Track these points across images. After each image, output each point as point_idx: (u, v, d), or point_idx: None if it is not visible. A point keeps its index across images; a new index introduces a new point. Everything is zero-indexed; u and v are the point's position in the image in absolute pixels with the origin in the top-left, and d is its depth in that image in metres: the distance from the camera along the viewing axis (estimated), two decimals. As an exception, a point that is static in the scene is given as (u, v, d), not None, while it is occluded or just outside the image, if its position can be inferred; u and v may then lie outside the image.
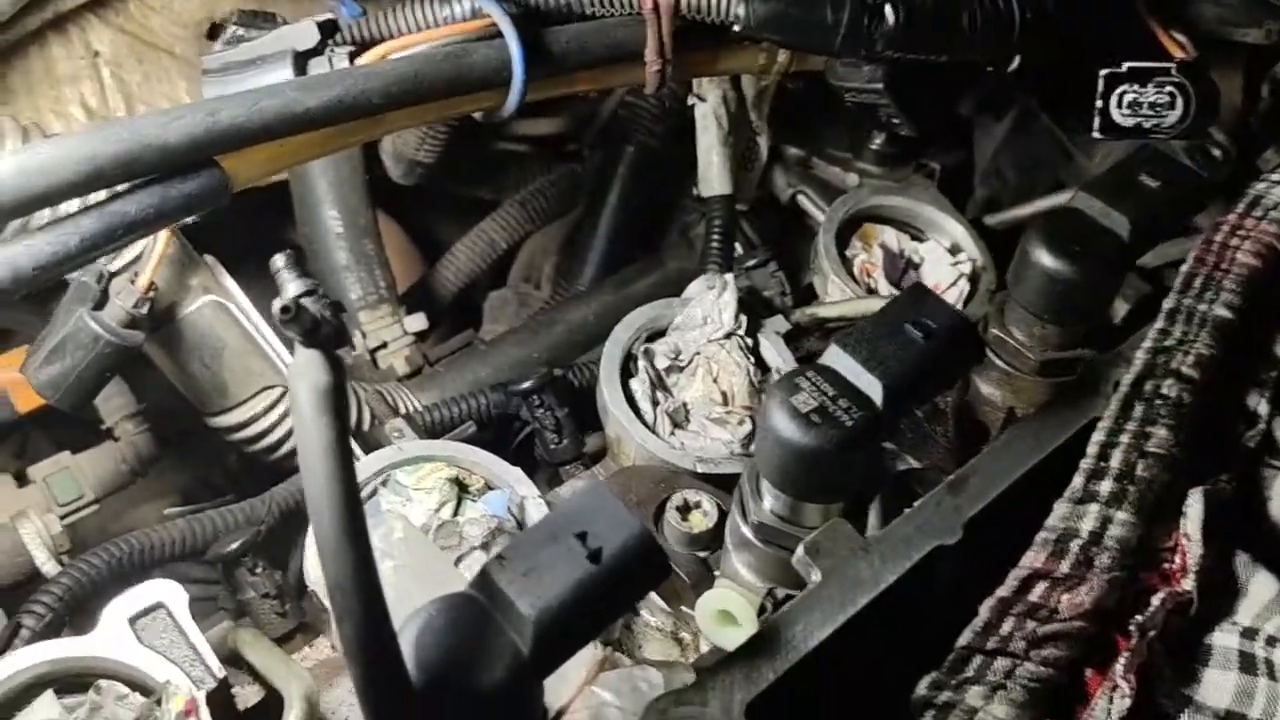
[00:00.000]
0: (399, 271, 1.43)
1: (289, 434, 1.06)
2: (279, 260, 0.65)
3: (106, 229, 0.72)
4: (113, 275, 0.93)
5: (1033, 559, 0.69)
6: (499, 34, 0.87)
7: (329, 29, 0.85)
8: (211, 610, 0.91)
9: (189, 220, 0.78)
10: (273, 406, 1.05)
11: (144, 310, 0.93)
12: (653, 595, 0.87)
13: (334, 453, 0.57)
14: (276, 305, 0.58)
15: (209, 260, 1.03)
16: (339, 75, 0.81)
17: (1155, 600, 0.69)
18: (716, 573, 0.87)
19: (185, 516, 0.94)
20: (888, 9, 0.90)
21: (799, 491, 0.76)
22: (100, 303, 0.92)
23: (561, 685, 0.72)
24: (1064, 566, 0.69)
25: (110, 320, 0.92)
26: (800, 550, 0.70)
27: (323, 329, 0.61)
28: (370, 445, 1.00)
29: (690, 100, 1.30)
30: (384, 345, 1.32)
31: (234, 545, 0.89)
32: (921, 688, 0.66)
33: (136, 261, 0.95)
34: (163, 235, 0.94)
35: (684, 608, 0.87)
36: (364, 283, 1.33)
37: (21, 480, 1.12)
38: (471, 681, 0.59)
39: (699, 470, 0.97)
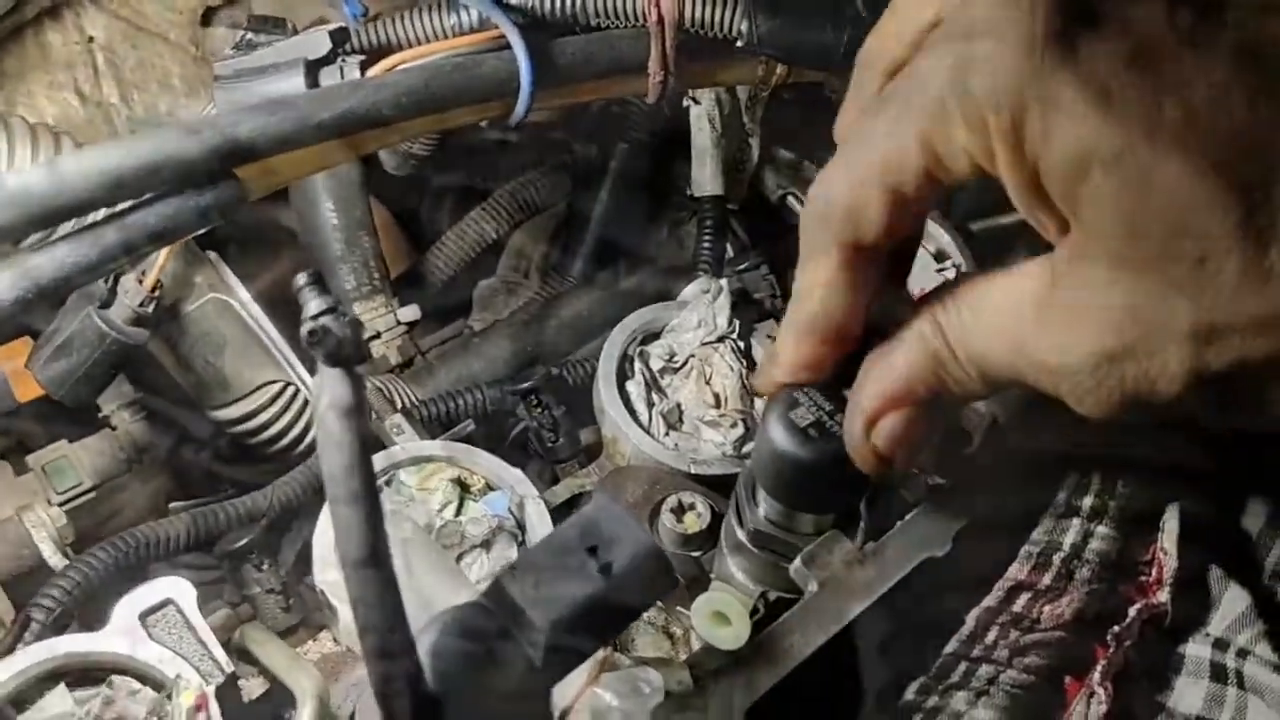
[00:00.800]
0: (389, 260, 1.45)
1: (289, 427, 1.08)
2: (301, 279, 0.67)
3: (126, 240, 0.73)
4: (119, 274, 0.95)
5: (1017, 571, 0.73)
6: (507, 45, 0.89)
7: (340, 38, 0.86)
8: (210, 597, 0.93)
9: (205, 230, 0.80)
10: (274, 400, 1.07)
11: (150, 308, 0.94)
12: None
13: (358, 469, 0.60)
14: (304, 329, 0.60)
15: (213, 257, 1.05)
16: (351, 87, 0.83)
17: (1132, 611, 0.72)
18: (711, 574, 0.90)
19: (189, 510, 0.96)
20: (886, 28, 0.92)
21: (794, 501, 0.79)
22: (107, 301, 0.94)
23: (565, 686, 0.75)
24: (1046, 579, 0.73)
25: (117, 318, 0.93)
26: (798, 561, 0.73)
27: (345, 348, 0.63)
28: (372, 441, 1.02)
29: (684, 102, 1.32)
30: (377, 335, 1.34)
31: (240, 543, 0.91)
32: (910, 693, 0.70)
33: (143, 260, 0.96)
34: (169, 234, 0.95)
35: (677, 606, 0.90)
36: (358, 274, 1.34)
37: (19, 468, 1.14)
38: (485, 689, 0.62)
39: (692, 471, 1.00)
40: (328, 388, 0.60)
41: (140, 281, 0.94)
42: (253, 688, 0.85)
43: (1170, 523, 0.76)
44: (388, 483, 0.93)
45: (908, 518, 0.76)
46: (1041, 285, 0.53)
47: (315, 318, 0.62)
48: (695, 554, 0.95)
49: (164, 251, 0.94)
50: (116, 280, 0.94)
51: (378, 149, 1.21)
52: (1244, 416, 0.54)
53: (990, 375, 0.58)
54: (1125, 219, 0.48)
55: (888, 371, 0.62)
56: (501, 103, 0.93)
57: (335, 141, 0.84)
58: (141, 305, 0.94)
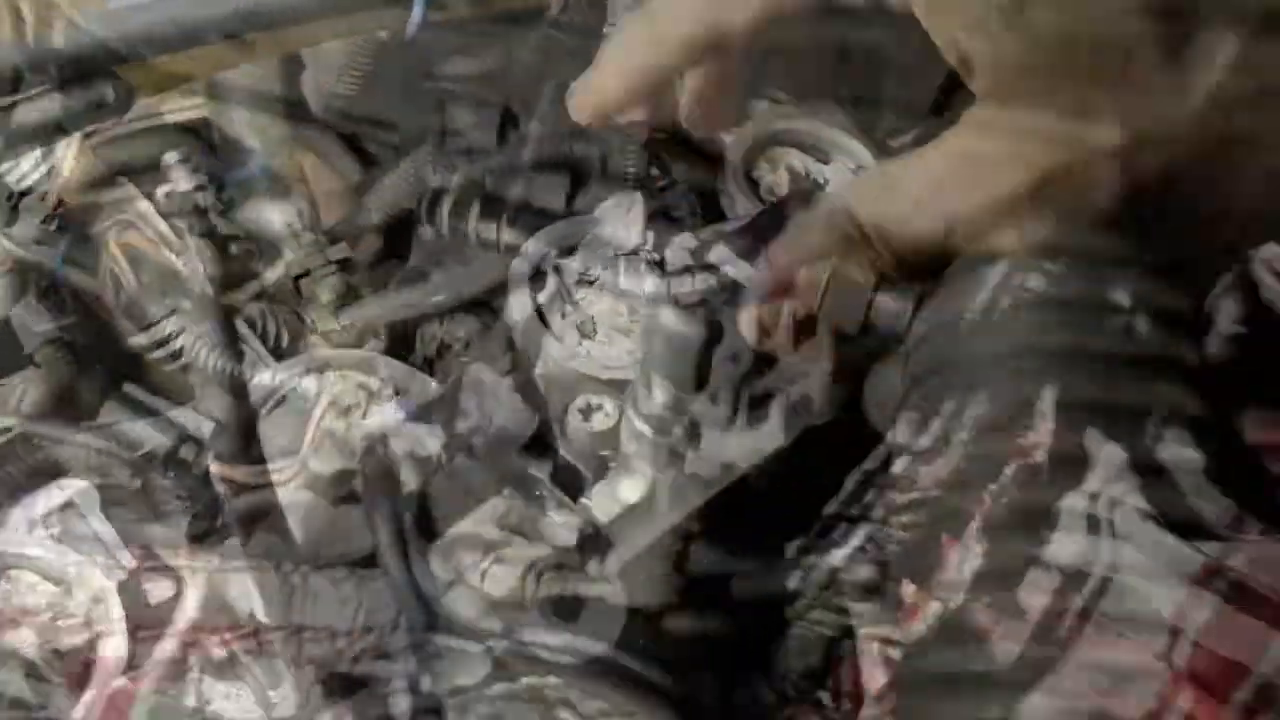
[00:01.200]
0: (326, 207, 1.45)
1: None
2: (171, 156, 0.67)
3: (8, 135, 0.74)
4: (23, 194, 0.95)
5: (895, 434, 0.74)
6: (402, -53, 0.89)
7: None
8: (126, 512, 0.94)
9: (91, 128, 0.80)
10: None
11: (54, 227, 0.95)
12: (557, 491, 0.91)
13: (225, 338, 0.61)
14: (161, 191, 0.61)
15: (122, 181, 1.05)
16: (237, -14, 0.83)
17: (1008, 470, 0.73)
18: (611, 466, 0.91)
19: (101, 427, 0.96)
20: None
21: (683, 383, 0.80)
22: (10, 221, 0.94)
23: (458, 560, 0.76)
24: (925, 441, 0.74)
25: (21, 237, 0.94)
26: (678, 430, 0.74)
27: (210, 217, 0.64)
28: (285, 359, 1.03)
29: (605, 29, 1.32)
30: (307, 273, 1.34)
31: (147, 449, 0.92)
32: (789, 552, 0.71)
33: (47, 180, 0.96)
34: (71, 153, 0.95)
35: (584, 500, 0.91)
36: (285, 211, 1.34)
37: (-56, 406, 1.14)
38: (358, 546, 0.63)
39: (603, 377, 1.01)
40: (196, 257, 0.61)
41: (43, 200, 0.94)
42: (161, 590, 0.86)
43: (1048, 390, 0.77)
44: (294, 389, 0.94)
45: (792, 386, 0.78)
46: (968, 137, 0.55)
47: (186, 194, 0.63)
48: (606, 453, 0.96)
49: (65, 168, 0.94)
50: (19, 199, 0.94)
51: (274, 54, 1.21)
52: (1182, 238, 0.56)
53: (904, 250, 0.59)
54: (1050, 33, 0.49)
55: (794, 252, 0.63)
56: (398, 10, 0.93)
57: (225, 44, 0.85)
58: (45, 223, 0.94)
